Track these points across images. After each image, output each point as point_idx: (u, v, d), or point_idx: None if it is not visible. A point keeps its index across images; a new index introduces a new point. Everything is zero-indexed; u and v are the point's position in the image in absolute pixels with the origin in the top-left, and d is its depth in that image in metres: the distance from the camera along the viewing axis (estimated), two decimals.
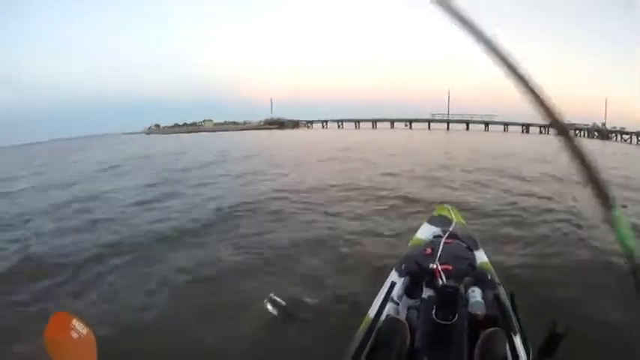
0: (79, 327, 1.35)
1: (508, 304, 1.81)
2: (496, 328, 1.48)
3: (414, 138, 27.53)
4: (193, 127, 76.79)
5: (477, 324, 1.64)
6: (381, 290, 2.06)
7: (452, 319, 1.61)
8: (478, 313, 1.69)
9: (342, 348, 1.68)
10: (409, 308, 1.94)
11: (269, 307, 2.80)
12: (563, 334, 1.27)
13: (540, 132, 33.31)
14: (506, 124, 31.70)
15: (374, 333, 1.60)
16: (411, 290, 2.12)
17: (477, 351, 1.37)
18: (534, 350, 1.48)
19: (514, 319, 1.70)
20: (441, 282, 1.90)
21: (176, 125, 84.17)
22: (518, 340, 1.57)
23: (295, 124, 59.70)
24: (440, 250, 2.22)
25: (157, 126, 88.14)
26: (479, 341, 1.39)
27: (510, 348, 1.48)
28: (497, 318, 1.69)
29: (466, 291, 1.82)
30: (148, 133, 76.56)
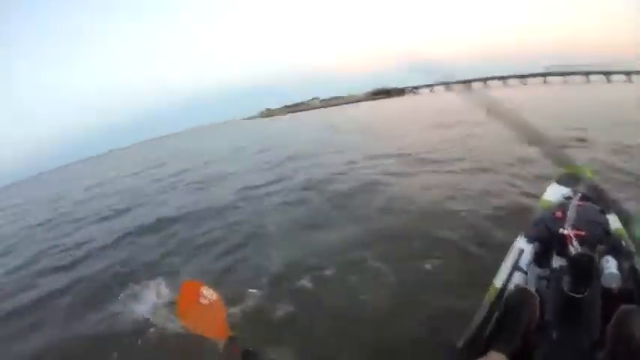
0: (207, 294, 1.42)
1: None
2: (632, 304, 1.34)
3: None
4: (302, 106, 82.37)
5: (610, 298, 1.51)
6: (508, 257, 1.95)
7: (584, 292, 1.47)
8: (613, 286, 1.54)
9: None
10: (539, 278, 1.87)
11: None
12: None
13: None
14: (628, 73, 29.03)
15: (501, 303, 1.55)
16: (540, 258, 1.97)
17: (610, 328, 1.28)
18: None
19: None
20: (573, 250, 1.69)
21: (286, 106, 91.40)
22: None
23: (401, 92, 60.50)
24: (571, 213, 2.00)
25: (269, 109, 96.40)
26: (613, 318, 1.30)
27: None
28: (633, 292, 1.55)
29: (600, 260, 1.64)
30: (262, 117, 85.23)
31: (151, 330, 3.05)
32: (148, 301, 3.57)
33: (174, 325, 2.82)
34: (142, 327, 3.16)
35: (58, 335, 3.52)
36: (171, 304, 3.15)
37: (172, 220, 6.63)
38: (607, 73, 31.47)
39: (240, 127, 45.88)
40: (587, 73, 33.66)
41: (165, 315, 3.13)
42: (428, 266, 3.30)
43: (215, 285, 1.48)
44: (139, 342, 2.98)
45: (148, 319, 3.23)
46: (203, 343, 1.51)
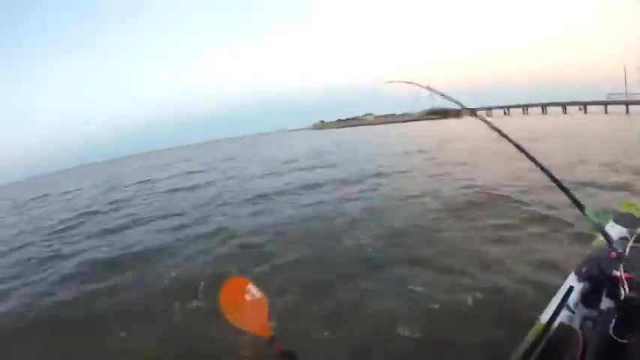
0: (253, 291, 1.42)
1: None
2: None
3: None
4: (356, 122, 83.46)
5: None
6: (557, 294, 1.93)
7: (631, 338, 1.43)
8: None
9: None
10: (584, 318, 1.82)
11: None
12: None
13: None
14: None
15: (544, 340, 1.53)
16: (588, 298, 1.93)
17: None
18: None
19: None
20: (623, 293, 1.68)
21: (339, 120, 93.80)
22: None
23: (458, 113, 61.08)
24: (626, 254, 1.95)
25: (322, 122, 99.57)
26: None
27: None
28: None
29: None
30: (314, 129, 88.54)
31: None
32: None
33: None
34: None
35: None
36: None
37: None
38: None
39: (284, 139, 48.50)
40: None
41: None
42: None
43: (262, 284, 1.48)
44: None
45: None
46: (243, 337, 1.49)
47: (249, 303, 1.43)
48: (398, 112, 79.75)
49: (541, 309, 1.82)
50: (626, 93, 35.71)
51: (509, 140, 2.07)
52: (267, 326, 1.31)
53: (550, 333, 1.56)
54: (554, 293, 1.93)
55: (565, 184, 2.03)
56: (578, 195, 1.98)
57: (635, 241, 2.20)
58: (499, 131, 2.11)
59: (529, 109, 48.40)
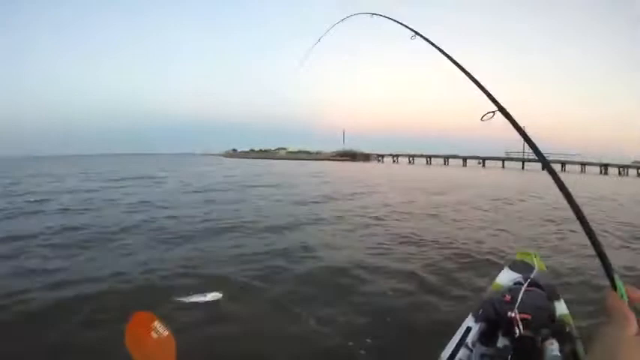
0: (159, 328, 1.35)
1: None
2: None
3: (495, 178, 27.02)
4: (267, 154, 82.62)
5: None
6: (456, 334, 2.04)
7: None
8: None
9: None
10: (482, 356, 1.90)
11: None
12: None
13: (619, 173, 32.39)
14: (583, 164, 31.23)
15: None
16: (486, 337, 2.04)
17: None
18: None
19: None
20: (518, 332, 1.82)
21: (252, 151, 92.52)
22: None
23: (366, 157, 61.91)
24: (519, 298, 2.14)
25: (234, 150, 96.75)
26: None
27: None
28: None
29: (543, 343, 1.76)
30: (226, 156, 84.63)
31: None
32: None
33: None
34: None
35: None
36: None
37: None
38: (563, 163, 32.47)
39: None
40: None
41: None
42: None
43: (166, 319, 1.42)
44: None
45: None
46: None
47: (155, 342, 1.36)
48: (311, 149, 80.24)
49: (441, 348, 1.95)
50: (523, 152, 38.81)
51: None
52: None
53: None
54: (452, 334, 2.06)
55: None
56: None
57: (528, 286, 2.37)
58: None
59: (432, 159, 52.37)
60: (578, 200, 0.66)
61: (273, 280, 4.38)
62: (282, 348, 2.94)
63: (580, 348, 1.81)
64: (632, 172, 32.07)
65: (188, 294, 3.73)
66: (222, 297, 3.75)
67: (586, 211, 0.64)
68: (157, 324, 1.38)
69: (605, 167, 28.29)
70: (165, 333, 1.37)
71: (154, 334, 1.35)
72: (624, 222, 8.73)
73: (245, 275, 4.47)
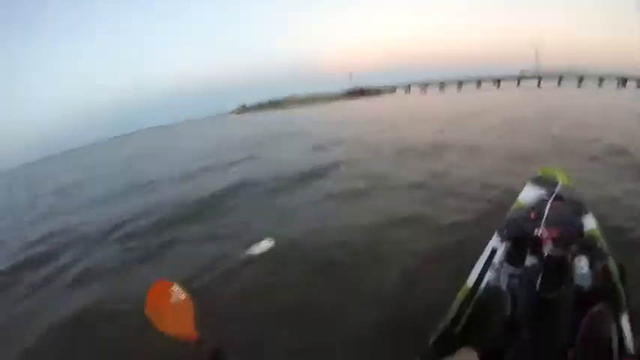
0: (178, 293, 1.39)
1: (617, 277, 1.62)
2: (604, 305, 1.34)
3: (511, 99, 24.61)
4: (278, 105, 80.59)
5: (582, 297, 1.52)
6: (482, 256, 1.97)
7: (556, 292, 1.50)
8: (584, 286, 1.57)
9: None
10: (510, 276, 1.81)
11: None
12: None
13: (638, 86, 28.62)
14: (600, 79, 29.68)
15: (472, 302, 1.54)
16: (513, 257, 1.94)
17: (582, 330, 1.28)
18: None
19: (623, 295, 1.53)
20: (546, 250, 1.78)
21: (259, 104, 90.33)
22: (625, 321, 1.40)
23: (377, 92, 61.09)
24: (546, 214, 2.08)
25: (244, 106, 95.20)
26: (585, 319, 1.30)
27: (616, 329, 1.31)
28: (604, 293, 1.52)
29: (572, 260, 1.69)
30: (237, 113, 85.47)
31: None
32: None
33: None
34: None
35: None
36: None
37: None
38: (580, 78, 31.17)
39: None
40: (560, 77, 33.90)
41: None
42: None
43: (186, 283, 1.48)
44: None
45: None
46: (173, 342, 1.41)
47: (174, 307, 1.38)
48: (320, 93, 78.48)
49: (467, 273, 1.85)
50: (537, 69, 37.38)
51: None
52: (193, 329, 1.27)
53: (478, 294, 1.59)
54: (478, 256, 1.97)
55: None
56: None
57: (553, 201, 2.32)
58: None
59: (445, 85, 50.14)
60: None
61: None
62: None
63: (612, 264, 1.71)
64: None
65: None
66: None
67: None
68: (175, 289, 1.41)
69: (624, 81, 27.16)
70: (183, 297, 1.40)
71: (172, 300, 1.38)
72: None
73: None
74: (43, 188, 15.03)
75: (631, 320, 1.42)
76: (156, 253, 4.53)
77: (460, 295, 1.69)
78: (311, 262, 3.53)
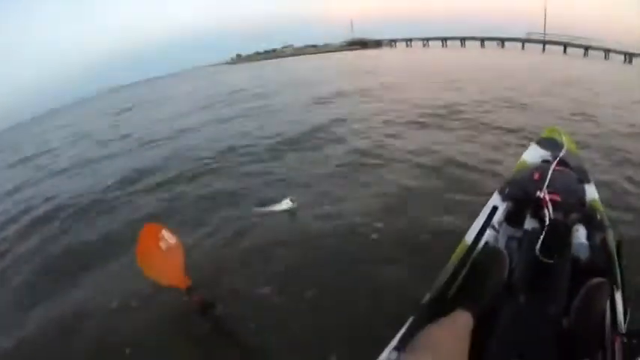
0: (167, 237, 1.34)
1: (614, 252, 1.57)
2: (601, 279, 1.32)
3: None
4: (274, 54, 79.45)
5: (579, 268, 1.49)
6: (481, 214, 1.88)
7: (555, 258, 1.47)
8: (582, 256, 1.53)
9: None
10: (510, 238, 1.80)
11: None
12: None
13: None
14: (607, 51, 28.55)
15: (469, 261, 1.49)
16: (513, 218, 1.92)
17: (578, 300, 1.27)
18: (632, 314, 1.35)
19: (618, 270, 1.50)
20: (547, 213, 1.69)
21: (257, 53, 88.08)
22: (618, 297, 1.38)
23: (378, 44, 59.67)
24: (549, 177, 1.98)
25: (239, 56, 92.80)
26: (583, 290, 1.28)
27: (610, 304, 1.31)
28: (600, 266, 1.49)
29: (571, 229, 1.64)
30: (231, 64, 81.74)
31: None
32: None
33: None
34: None
35: None
36: None
37: None
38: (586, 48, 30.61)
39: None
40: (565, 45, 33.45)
41: None
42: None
43: (177, 226, 1.22)
44: None
45: None
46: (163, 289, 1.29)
47: (163, 252, 1.32)
48: (319, 43, 77.38)
49: (466, 229, 1.77)
50: (544, 33, 36.38)
51: None
52: (183, 276, 1.21)
53: (475, 253, 1.52)
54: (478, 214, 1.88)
55: None
56: None
57: (558, 165, 2.19)
58: None
59: (448, 42, 48.48)
60: None
61: None
62: None
63: (610, 237, 1.64)
64: None
65: None
66: None
67: None
68: (164, 233, 1.33)
69: (630, 57, 26.23)
70: (173, 241, 1.32)
71: (162, 244, 1.32)
72: None
73: None
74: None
75: (624, 298, 1.40)
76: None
77: (457, 253, 1.62)
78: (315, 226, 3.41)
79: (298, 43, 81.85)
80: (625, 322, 1.29)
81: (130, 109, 18.95)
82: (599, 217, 1.83)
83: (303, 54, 65.59)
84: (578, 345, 1.17)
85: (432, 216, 3.33)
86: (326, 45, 72.21)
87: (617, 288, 1.41)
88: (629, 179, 3.96)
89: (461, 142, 5.76)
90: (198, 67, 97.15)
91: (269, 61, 59.50)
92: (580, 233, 1.61)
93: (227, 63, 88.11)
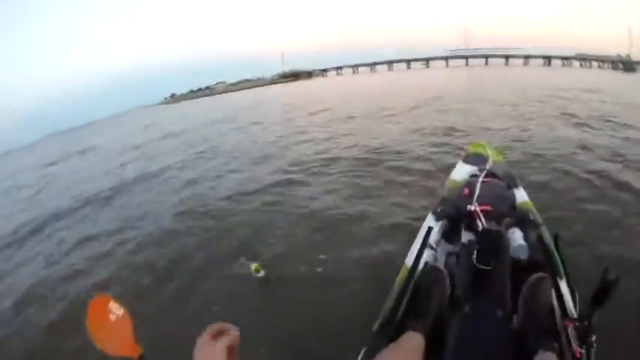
0: (114, 309, 1.26)
1: (552, 246, 1.66)
2: (541, 273, 1.34)
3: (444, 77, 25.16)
4: (208, 91, 77.63)
5: (519, 268, 1.55)
6: (418, 236, 1.92)
7: (493, 264, 1.48)
8: (521, 257, 1.59)
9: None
10: (448, 254, 1.84)
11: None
12: (615, 282, 1.04)
13: (563, 64, 30.39)
14: (526, 57, 29.97)
15: (412, 284, 1.48)
16: (449, 235, 1.97)
17: (522, 298, 1.29)
18: (582, 297, 1.40)
19: (559, 262, 1.58)
20: (480, 225, 1.72)
21: (191, 92, 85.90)
22: (564, 286, 1.43)
23: (309, 75, 60.06)
24: (478, 190, 2.02)
25: (173, 95, 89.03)
26: (524, 288, 1.31)
27: (556, 294, 1.33)
28: (541, 262, 1.53)
29: (506, 233, 1.70)
30: (166, 104, 78.68)
31: None
32: None
33: None
34: None
35: None
36: None
37: None
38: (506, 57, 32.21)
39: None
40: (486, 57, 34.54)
41: None
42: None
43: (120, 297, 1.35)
44: None
45: None
46: None
47: (112, 323, 1.26)
48: (252, 77, 76.10)
49: (405, 254, 1.83)
50: (466, 49, 37.96)
51: None
52: (133, 345, 1.18)
53: (417, 275, 1.55)
54: (415, 237, 1.96)
55: None
56: None
57: (485, 177, 2.27)
58: None
59: (377, 66, 50.12)
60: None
61: None
62: None
63: (545, 233, 1.77)
64: (576, 63, 30.76)
65: None
66: None
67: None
68: (112, 304, 1.28)
69: (548, 60, 27.68)
70: (121, 312, 1.28)
71: (111, 316, 1.27)
72: None
73: None
74: None
75: (570, 286, 1.51)
76: None
77: (400, 277, 1.69)
78: None
79: (232, 79, 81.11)
80: (576, 308, 1.38)
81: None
82: (531, 216, 1.91)
83: (238, 89, 64.80)
84: (532, 339, 1.18)
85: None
86: (259, 79, 72.52)
87: (561, 278, 1.48)
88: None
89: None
90: (142, 107, 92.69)
91: (203, 98, 58.63)
92: (516, 235, 1.68)
93: (162, 103, 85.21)
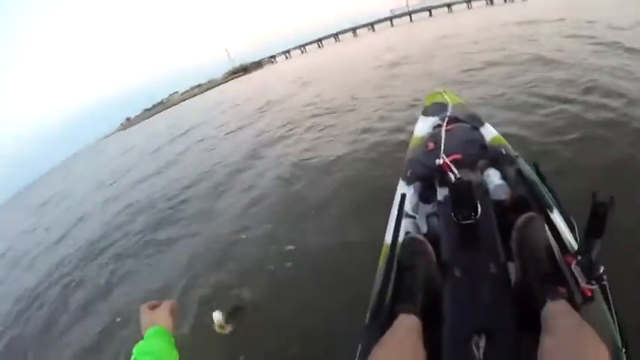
0: None
1: (534, 177, 1.53)
2: (530, 213, 1.19)
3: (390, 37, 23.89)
4: (162, 106, 75.71)
5: (505, 210, 1.41)
6: (392, 208, 1.71)
7: (475, 215, 1.33)
8: (503, 197, 1.47)
9: None
10: (428, 216, 1.64)
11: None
12: (608, 205, 0.91)
13: (505, 1, 28.12)
14: (468, 1, 29.01)
15: (395, 260, 1.32)
16: (425, 196, 1.76)
17: (514, 245, 1.14)
18: (579, 227, 1.22)
19: (546, 192, 1.42)
20: (453, 176, 1.58)
21: (145, 110, 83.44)
22: (557, 216, 1.28)
23: (259, 65, 59.03)
24: (443, 140, 1.89)
25: (128, 119, 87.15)
26: (513, 232, 1.16)
27: (550, 228, 1.20)
28: (526, 197, 1.41)
29: (482, 176, 1.58)
30: (122, 130, 76.50)
31: None
32: None
33: None
34: None
35: None
36: None
37: None
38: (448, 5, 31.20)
39: None
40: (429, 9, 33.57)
41: None
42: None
43: None
44: None
45: None
46: None
47: None
48: (203, 81, 73.82)
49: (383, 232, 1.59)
50: (407, 6, 37.31)
51: None
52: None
53: (399, 249, 1.33)
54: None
55: None
56: None
57: (448, 125, 2.14)
58: None
59: (323, 41, 48.99)
60: None
61: None
62: None
63: (524, 166, 1.62)
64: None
65: None
66: None
67: None
68: None
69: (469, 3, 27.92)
70: None
71: None
72: None
73: None
74: None
75: (565, 215, 1.31)
76: None
77: (382, 258, 1.44)
78: None
79: (183, 88, 78.05)
80: (577, 240, 1.19)
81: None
82: (504, 151, 1.77)
83: (190, 97, 62.85)
84: (535, 284, 1.04)
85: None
86: (210, 81, 70.72)
87: (552, 209, 1.31)
88: None
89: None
90: (97, 139, 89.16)
91: (158, 114, 55.28)
92: (493, 176, 1.57)
93: (118, 130, 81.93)
